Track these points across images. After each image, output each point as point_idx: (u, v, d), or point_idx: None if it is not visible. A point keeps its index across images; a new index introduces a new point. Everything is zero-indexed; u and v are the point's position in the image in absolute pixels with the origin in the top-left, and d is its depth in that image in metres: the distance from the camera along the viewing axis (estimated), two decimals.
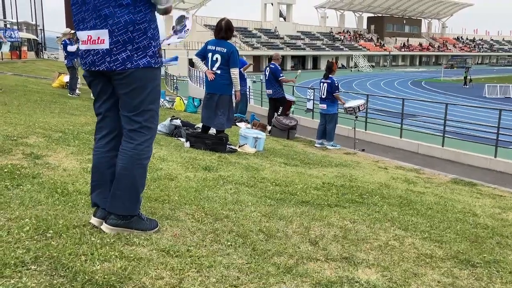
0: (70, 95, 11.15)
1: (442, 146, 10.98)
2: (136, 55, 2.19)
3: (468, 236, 3.21)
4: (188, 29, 5.89)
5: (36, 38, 36.50)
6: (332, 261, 2.40)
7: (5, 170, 3.17)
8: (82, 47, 2.27)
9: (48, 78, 16.37)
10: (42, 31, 40.42)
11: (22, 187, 2.87)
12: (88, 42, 2.22)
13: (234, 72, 5.81)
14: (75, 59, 11.12)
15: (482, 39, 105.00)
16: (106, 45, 2.17)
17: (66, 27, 12.53)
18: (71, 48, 11.00)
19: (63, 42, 11.44)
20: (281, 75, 9.88)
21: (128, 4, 2.15)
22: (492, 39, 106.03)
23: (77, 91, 11.48)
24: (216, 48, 5.81)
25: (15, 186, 2.88)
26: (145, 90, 2.25)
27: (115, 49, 2.17)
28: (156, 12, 2.29)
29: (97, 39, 2.18)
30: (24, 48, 30.19)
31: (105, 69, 2.20)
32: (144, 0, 2.19)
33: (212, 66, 5.83)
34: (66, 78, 12.86)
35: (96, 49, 2.20)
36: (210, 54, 5.85)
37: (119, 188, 2.29)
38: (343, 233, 2.87)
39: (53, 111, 7.49)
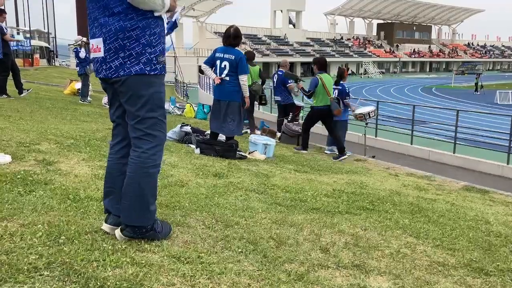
0: (82, 102, 11.25)
1: (454, 153, 10.90)
2: (129, 62, 2.18)
3: (481, 244, 3.17)
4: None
5: (48, 46, 36.96)
6: (343, 268, 2.39)
7: (18, 176, 3.20)
8: (91, 55, 2.34)
9: (59, 85, 16.52)
10: (54, 38, 40.93)
11: (35, 193, 2.89)
12: (92, 50, 2.28)
13: (243, 79, 5.83)
14: (87, 67, 11.25)
15: (493, 45, 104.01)
16: (101, 53, 2.21)
17: (78, 35, 12.68)
18: (82, 54, 11.24)
19: (74, 50, 11.59)
20: (289, 81, 9.90)
21: (119, 12, 2.15)
22: (503, 45, 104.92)
23: (88, 98, 11.59)
24: (225, 55, 5.84)
25: (28, 192, 2.91)
26: (141, 98, 2.22)
27: (108, 57, 2.19)
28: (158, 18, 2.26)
29: (96, 47, 2.22)
30: (36, 56, 30.52)
31: (102, 76, 2.25)
32: (137, 8, 2.16)
33: (221, 73, 5.86)
34: (77, 85, 12.96)
35: (96, 57, 2.25)
36: (218, 62, 5.88)
37: (126, 198, 2.27)
38: (354, 241, 2.86)
39: (64, 118, 7.56)
